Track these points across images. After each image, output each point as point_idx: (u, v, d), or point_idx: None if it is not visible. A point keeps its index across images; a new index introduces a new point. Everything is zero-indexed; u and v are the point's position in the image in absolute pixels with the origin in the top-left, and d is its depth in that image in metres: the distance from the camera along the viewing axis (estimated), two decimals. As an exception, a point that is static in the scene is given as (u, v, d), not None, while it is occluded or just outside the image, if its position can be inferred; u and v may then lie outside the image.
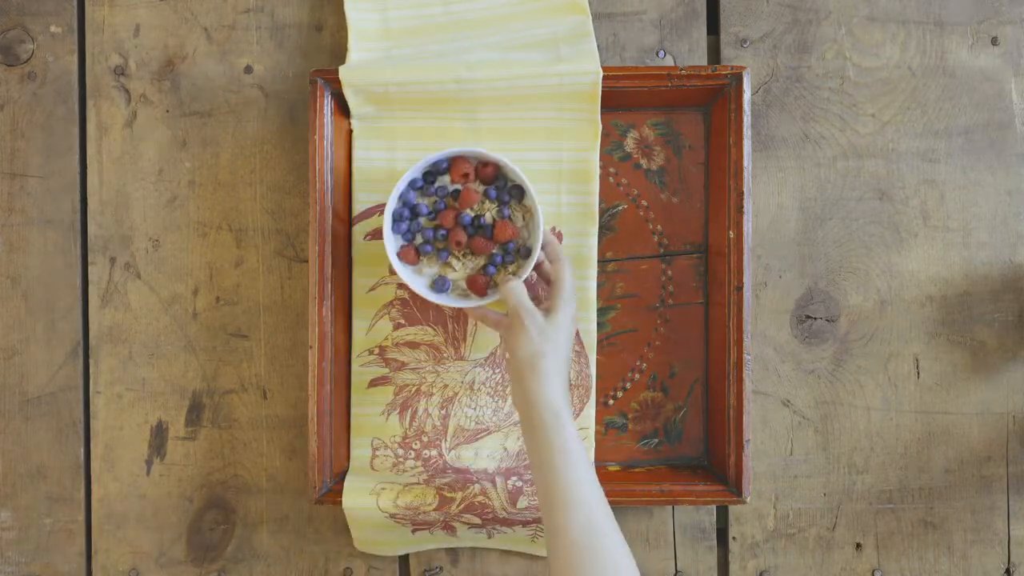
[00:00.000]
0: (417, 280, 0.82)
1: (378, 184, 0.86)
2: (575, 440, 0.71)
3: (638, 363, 0.89)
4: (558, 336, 0.75)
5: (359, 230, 0.87)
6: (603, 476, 0.86)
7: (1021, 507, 0.90)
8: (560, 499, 0.69)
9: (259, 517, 0.90)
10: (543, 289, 0.83)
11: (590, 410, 0.87)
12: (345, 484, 0.84)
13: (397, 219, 0.83)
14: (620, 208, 0.89)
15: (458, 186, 0.84)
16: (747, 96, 0.83)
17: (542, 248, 0.81)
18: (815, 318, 0.90)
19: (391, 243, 0.82)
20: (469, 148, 0.81)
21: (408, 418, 0.87)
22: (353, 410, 0.87)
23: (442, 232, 0.83)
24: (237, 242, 0.90)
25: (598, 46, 0.88)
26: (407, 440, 0.87)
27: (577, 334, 0.86)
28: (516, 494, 0.83)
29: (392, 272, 0.86)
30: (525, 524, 0.85)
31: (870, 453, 0.90)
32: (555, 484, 0.70)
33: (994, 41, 0.90)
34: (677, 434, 0.89)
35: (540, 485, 0.71)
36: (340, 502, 0.83)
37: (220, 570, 0.90)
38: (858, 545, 0.90)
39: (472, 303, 0.81)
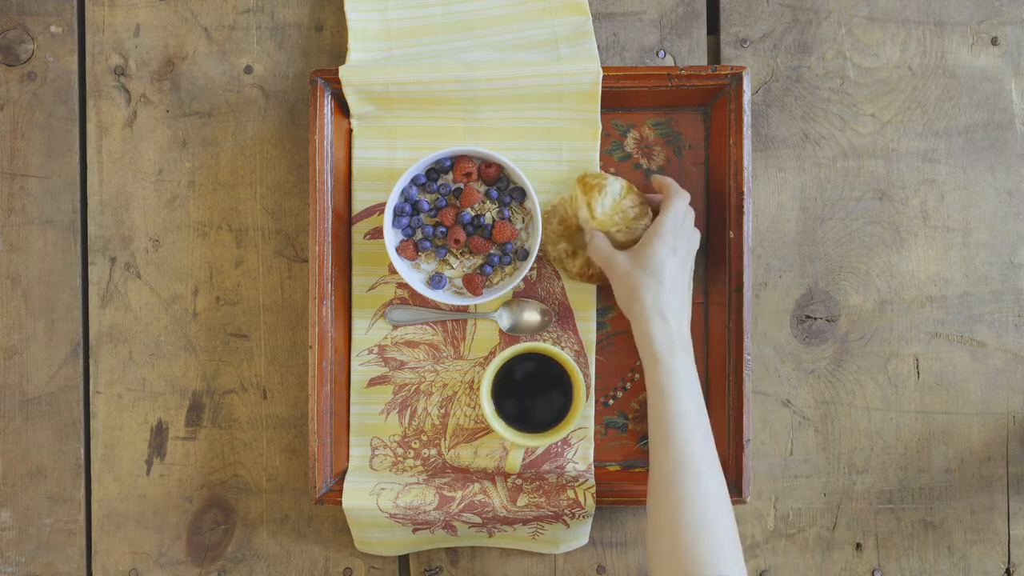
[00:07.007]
0: (414, 275, 0.83)
1: (378, 183, 0.86)
2: (676, 376, 0.74)
3: (638, 363, 0.89)
4: (652, 267, 0.76)
5: (359, 229, 0.87)
6: (603, 476, 0.86)
7: (1021, 507, 0.90)
8: (655, 436, 0.74)
9: (259, 517, 0.90)
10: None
11: (590, 410, 0.87)
12: (345, 484, 0.84)
13: (398, 214, 0.83)
14: (620, 208, 0.89)
15: (460, 185, 0.84)
16: (747, 96, 0.83)
17: (657, 190, 0.83)
18: (815, 318, 0.90)
19: (391, 237, 0.82)
20: (473, 147, 0.81)
21: (407, 417, 0.87)
22: (352, 409, 0.87)
23: (442, 229, 0.83)
24: (237, 242, 0.90)
25: (598, 46, 0.88)
26: (406, 439, 0.87)
27: (577, 333, 0.86)
28: (516, 492, 0.83)
29: (392, 271, 0.86)
30: (526, 522, 0.85)
31: (870, 453, 0.90)
32: (653, 420, 0.75)
33: (994, 41, 0.90)
34: (677, 434, 0.89)
35: (648, 418, 0.76)
36: (340, 502, 0.83)
37: (220, 570, 0.90)
38: (858, 545, 0.90)
39: (467, 301, 0.82)
